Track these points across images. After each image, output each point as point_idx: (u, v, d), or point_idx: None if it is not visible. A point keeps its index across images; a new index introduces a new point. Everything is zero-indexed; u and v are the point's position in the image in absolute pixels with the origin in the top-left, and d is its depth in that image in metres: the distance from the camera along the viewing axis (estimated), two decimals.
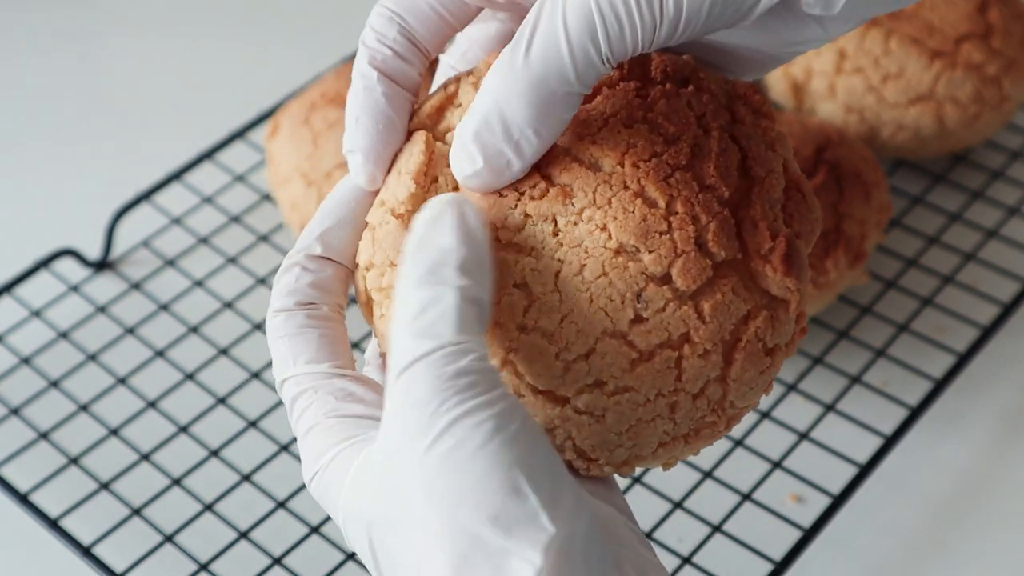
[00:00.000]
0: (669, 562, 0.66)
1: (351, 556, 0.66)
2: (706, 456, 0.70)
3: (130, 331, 0.79)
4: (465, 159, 0.47)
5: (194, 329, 0.78)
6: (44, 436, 0.73)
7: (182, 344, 0.78)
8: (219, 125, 0.89)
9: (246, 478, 0.70)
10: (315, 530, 0.68)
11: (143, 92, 0.98)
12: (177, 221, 0.84)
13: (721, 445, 0.71)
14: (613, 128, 0.48)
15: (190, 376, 0.76)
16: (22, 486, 0.69)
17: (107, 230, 0.83)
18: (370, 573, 0.46)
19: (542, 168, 0.48)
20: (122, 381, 0.76)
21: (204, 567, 0.66)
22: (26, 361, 0.77)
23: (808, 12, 0.48)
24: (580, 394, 0.46)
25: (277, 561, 0.66)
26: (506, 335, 0.47)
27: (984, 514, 0.71)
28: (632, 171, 0.47)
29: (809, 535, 0.65)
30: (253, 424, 0.73)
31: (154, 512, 0.69)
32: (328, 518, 0.68)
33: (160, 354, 0.77)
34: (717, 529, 0.67)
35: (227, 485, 0.70)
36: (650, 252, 0.47)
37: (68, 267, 0.82)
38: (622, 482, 0.69)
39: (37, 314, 0.79)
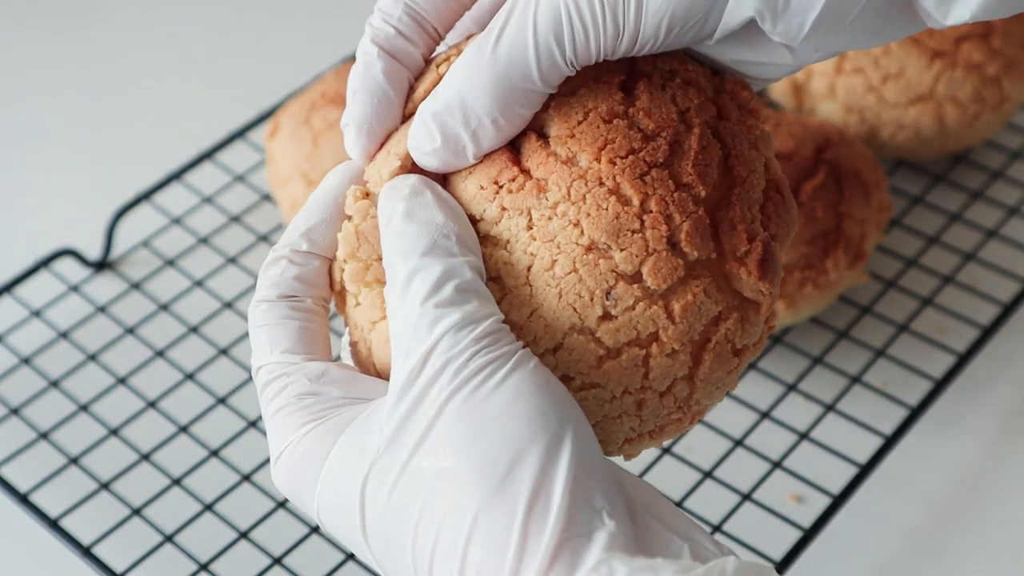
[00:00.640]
0: None
1: (351, 556, 0.66)
2: (706, 456, 0.70)
3: (130, 331, 0.79)
4: (424, 136, 0.48)
5: (194, 329, 0.78)
6: (44, 436, 0.73)
7: (182, 344, 0.78)
8: (219, 125, 0.89)
9: (246, 478, 0.70)
10: (315, 530, 0.68)
11: (143, 92, 0.98)
12: (177, 221, 0.84)
13: (721, 445, 0.71)
14: (592, 123, 0.48)
15: (190, 376, 0.76)
16: (22, 486, 0.69)
17: (107, 230, 0.83)
18: (361, 559, 0.46)
19: (521, 161, 0.48)
20: (122, 381, 0.76)
21: (204, 567, 0.66)
22: (26, 361, 0.77)
23: (775, 40, 0.48)
24: None
25: (277, 561, 0.66)
26: None
27: (984, 514, 0.71)
28: (608, 167, 0.47)
29: (809, 535, 0.65)
30: (253, 424, 0.73)
31: (154, 512, 0.69)
32: None
33: (160, 354, 0.77)
34: (717, 529, 0.67)
35: (227, 485, 0.70)
36: (621, 250, 0.47)
37: (68, 267, 0.82)
38: None
39: (37, 314, 0.79)
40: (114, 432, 0.73)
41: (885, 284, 0.79)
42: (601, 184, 0.47)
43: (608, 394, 0.47)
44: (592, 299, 0.47)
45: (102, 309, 0.80)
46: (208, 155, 0.86)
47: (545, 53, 0.47)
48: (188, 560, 0.67)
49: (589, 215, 0.47)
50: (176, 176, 0.84)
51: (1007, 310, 0.77)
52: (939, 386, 0.72)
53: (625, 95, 0.49)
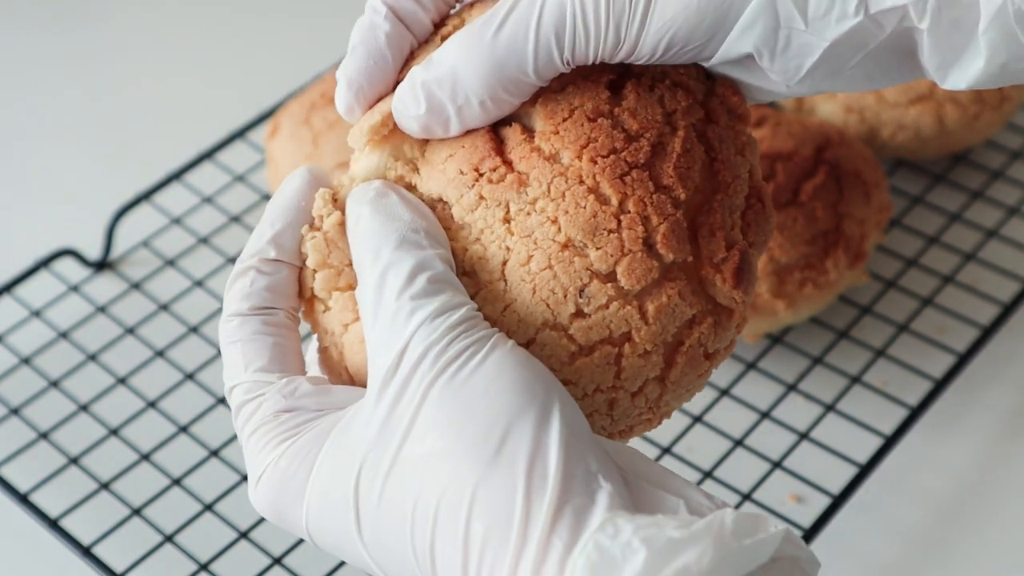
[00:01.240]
0: None
1: None
2: (706, 456, 0.70)
3: (130, 331, 0.78)
4: (411, 100, 0.48)
5: (194, 329, 0.78)
6: (44, 436, 0.73)
7: (182, 344, 0.78)
8: (219, 125, 0.89)
9: (246, 478, 0.70)
10: None
11: (143, 92, 0.98)
12: (177, 221, 0.84)
13: (721, 444, 0.71)
14: (577, 120, 0.48)
15: (190, 376, 0.76)
16: (22, 486, 0.69)
17: (107, 230, 0.83)
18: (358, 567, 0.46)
19: (504, 151, 0.48)
20: (122, 381, 0.76)
21: (204, 567, 0.66)
22: (26, 361, 0.77)
23: (771, 77, 0.48)
24: None
25: (277, 561, 0.66)
26: None
27: (984, 514, 0.71)
28: (589, 166, 0.48)
29: (809, 535, 0.65)
30: None
31: (154, 512, 0.69)
32: None
33: (160, 354, 0.77)
34: None
35: (227, 485, 0.70)
36: (597, 249, 0.47)
37: (68, 267, 0.82)
38: None
39: (37, 314, 0.79)
40: (114, 432, 0.73)
41: (885, 284, 0.79)
42: (581, 182, 0.47)
43: (580, 391, 0.47)
44: (566, 296, 0.47)
45: (102, 309, 0.80)
46: (208, 155, 0.86)
47: (544, 50, 0.47)
48: (188, 560, 0.67)
49: (567, 212, 0.47)
50: (176, 176, 0.84)
51: (1007, 310, 0.77)
52: (939, 386, 0.72)
53: (612, 94, 0.49)
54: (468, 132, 0.49)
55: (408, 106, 0.48)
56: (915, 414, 0.71)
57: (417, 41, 0.51)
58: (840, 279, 0.74)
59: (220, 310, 0.79)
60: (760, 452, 0.70)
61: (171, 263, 0.82)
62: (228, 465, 0.71)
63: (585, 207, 0.47)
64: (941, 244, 0.81)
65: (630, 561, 0.40)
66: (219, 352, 0.76)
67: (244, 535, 0.68)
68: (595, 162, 0.48)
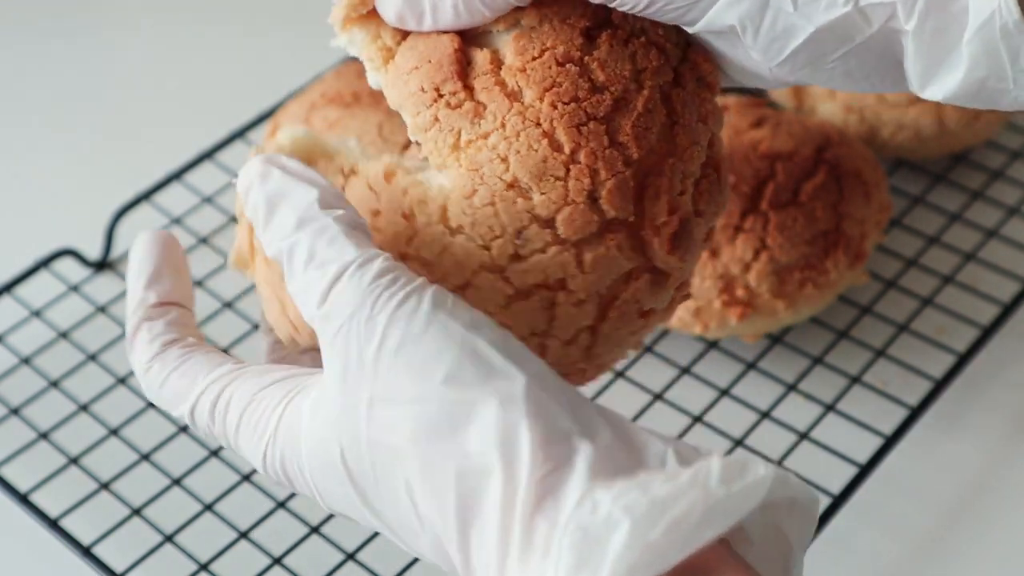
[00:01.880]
0: None
1: (351, 556, 0.66)
2: None
3: None
4: None
5: None
6: (44, 436, 0.73)
7: None
8: (219, 125, 0.89)
9: (246, 478, 0.70)
10: (315, 530, 0.68)
11: (143, 92, 0.98)
12: (177, 221, 0.84)
13: (721, 445, 0.71)
14: (546, 62, 0.48)
15: None
16: (22, 486, 0.69)
17: (107, 230, 0.83)
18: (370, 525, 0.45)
19: (468, 77, 0.48)
20: (122, 381, 0.76)
21: (204, 567, 0.66)
22: (26, 361, 0.77)
23: (750, 55, 0.48)
24: None
25: (277, 561, 0.66)
26: None
27: (985, 514, 0.71)
28: (549, 110, 0.47)
29: None
30: None
31: (154, 512, 0.69)
32: (329, 517, 0.68)
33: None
34: None
35: (227, 485, 0.70)
36: (542, 194, 0.47)
37: (68, 267, 0.82)
38: None
39: (37, 314, 0.79)
40: (114, 432, 0.73)
41: (885, 284, 0.79)
42: (537, 125, 0.47)
43: (515, 334, 0.47)
44: (503, 235, 0.47)
45: (102, 309, 0.80)
46: (208, 155, 0.86)
47: None
48: (188, 560, 0.67)
49: (519, 153, 0.47)
50: (176, 176, 0.84)
51: (1007, 310, 0.77)
52: (939, 386, 0.72)
53: (586, 41, 0.49)
54: (438, 43, 0.49)
55: None
56: (915, 414, 0.71)
57: None
58: (840, 279, 0.74)
59: (220, 310, 0.79)
60: (760, 452, 0.70)
61: None
62: (228, 465, 0.71)
63: (537, 150, 0.47)
64: (941, 244, 0.81)
65: (614, 535, 0.39)
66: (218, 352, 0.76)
67: (244, 535, 0.68)
68: (555, 107, 0.47)
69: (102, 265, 0.83)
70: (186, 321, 0.51)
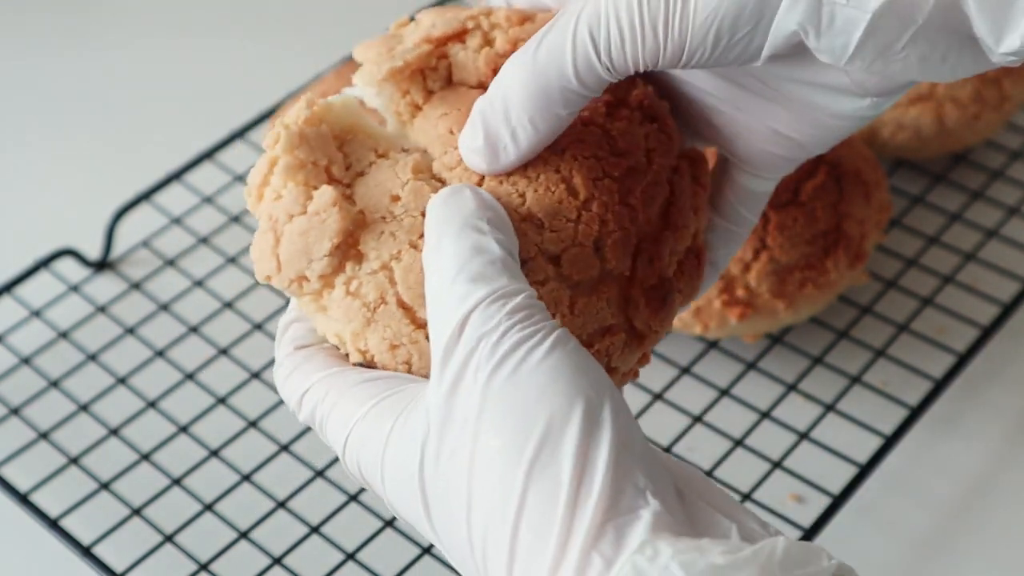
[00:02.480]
0: None
1: (351, 556, 0.66)
2: (706, 456, 0.70)
3: (130, 331, 0.78)
4: (470, 132, 0.49)
5: (194, 329, 0.78)
6: (44, 436, 0.73)
7: (182, 344, 0.78)
8: (219, 125, 0.89)
9: (246, 478, 0.70)
10: (315, 530, 0.68)
11: (143, 92, 0.98)
12: (177, 221, 0.84)
13: (721, 445, 0.71)
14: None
15: (190, 376, 0.76)
16: (22, 486, 0.69)
17: (107, 230, 0.83)
18: (425, 533, 0.46)
19: None
20: (122, 381, 0.76)
21: (204, 567, 0.66)
22: (26, 361, 0.77)
23: (821, 60, 0.48)
24: None
25: (277, 561, 0.66)
26: None
27: (984, 514, 0.71)
28: (570, 160, 0.49)
29: (809, 535, 0.66)
30: (253, 424, 0.73)
31: (154, 512, 0.69)
32: (328, 518, 0.68)
33: (160, 354, 0.77)
34: None
35: (227, 485, 0.70)
36: (552, 232, 0.49)
37: (68, 267, 0.82)
38: None
39: (37, 314, 0.79)
40: (114, 432, 0.73)
41: (885, 284, 0.79)
42: (557, 172, 0.49)
43: None
44: None
45: (102, 309, 0.80)
46: (208, 155, 0.86)
47: (582, 53, 0.47)
48: (188, 560, 0.67)
49: (536, 192, 0.49)
50: (176, 176, 0.84)
51: (1007, 310, 0.77)
52: (939, 386, 0.72)
53: (608, 113, 0.51)
54: (467, 96, 0.50)
55: (468, 139, 0.49)
56: (915, 414, 0.71)
57: None
58: (840, 279, 0.74)
59: (220, 310, 0.79)
60: (760, 452, 0.70)
61: (171, 263, 0.82)
62: (228, 465, 0.71)
63: (554, 192, 0.49)
64: (941, 244, 0.81)
65: None
66: (219, 352, 0.77)
67: (244, 535, 0.68)
68: (576, 159, 0.50)
69: (102, 265, 0.83)
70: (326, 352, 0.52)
